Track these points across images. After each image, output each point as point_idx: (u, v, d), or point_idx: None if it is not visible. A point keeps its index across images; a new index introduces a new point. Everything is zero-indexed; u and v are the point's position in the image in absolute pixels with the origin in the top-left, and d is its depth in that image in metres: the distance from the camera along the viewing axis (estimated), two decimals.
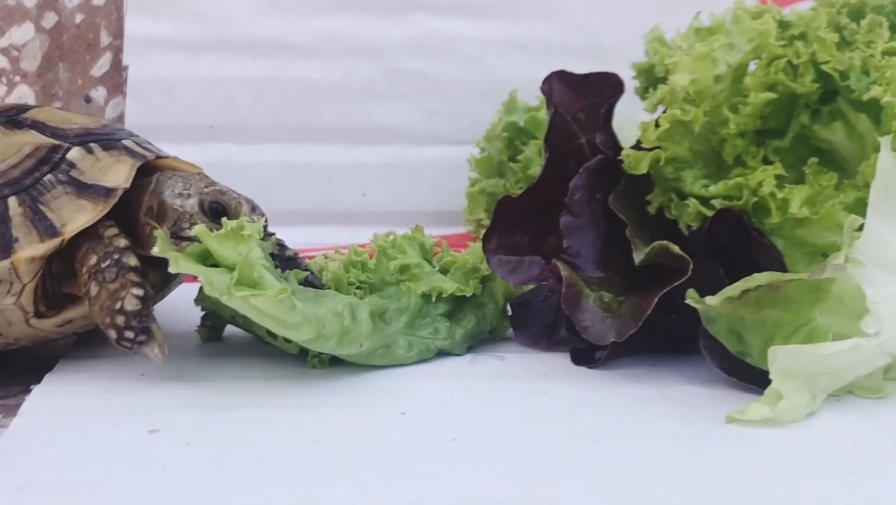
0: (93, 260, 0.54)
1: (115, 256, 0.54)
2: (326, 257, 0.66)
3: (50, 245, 0.54)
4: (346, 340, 0.55)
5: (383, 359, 0.59)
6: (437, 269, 0.64)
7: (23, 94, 0.92)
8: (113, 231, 0.55)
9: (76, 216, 0.54)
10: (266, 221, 0.60)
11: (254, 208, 0.56)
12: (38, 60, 0.92)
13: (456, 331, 0.62)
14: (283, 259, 0.61)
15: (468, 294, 0.62)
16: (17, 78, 0.92)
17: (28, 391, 0.53)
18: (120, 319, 0.52)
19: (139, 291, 0.53)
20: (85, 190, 0.55)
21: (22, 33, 0.92)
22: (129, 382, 0.54)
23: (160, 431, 0.47)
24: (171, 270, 0.49)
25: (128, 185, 0.56)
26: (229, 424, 0.48)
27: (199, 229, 0.51)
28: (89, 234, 0.55)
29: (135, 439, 0.46)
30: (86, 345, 0.63)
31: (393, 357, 0.59)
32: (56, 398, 0.52)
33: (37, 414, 0.50)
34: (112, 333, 0.53)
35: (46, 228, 0.54)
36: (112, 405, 0.51)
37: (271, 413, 0.49)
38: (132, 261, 0.54)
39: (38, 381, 0.55)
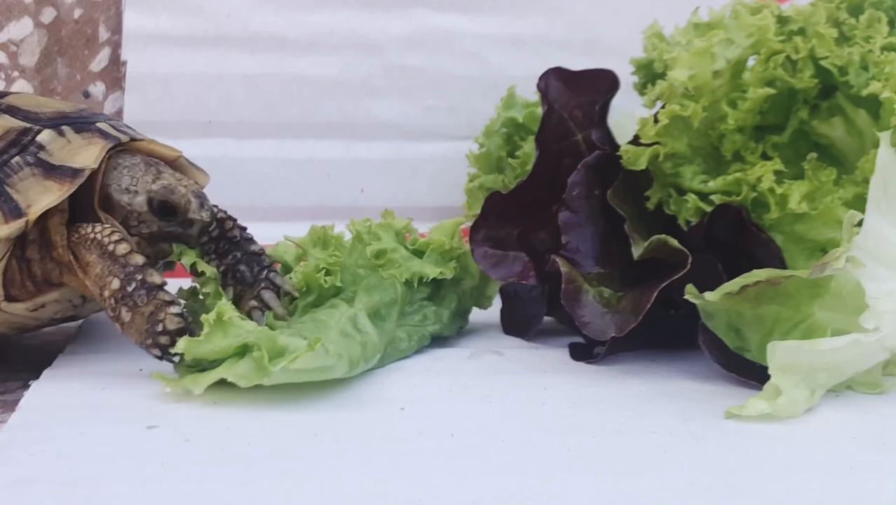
0: (115, 284, 0.53)
1: (139, 277, 0.53)
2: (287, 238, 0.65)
3: (14, 226, 0.53)
4: (369, 355, 0.55)
5: (390, 357, 0.58)
6: (411, 251, 0.64)
7: (21, 89, 0.92)
8: (125, 247, 0.54)
9: (41, 197, 0.54)
10: (226, 213, 0.60)
11: (202, 204, 0.55)
12: (37, 55, 0.92)
13: (442, 313, 0.63)
14: (248, 253, 0.60)
15: (449, 277, 0.62)
16: (16, 73, 0.92)
17: (26, 387, 0.53)
18: (164, 340, 0.52)
19: (177, 309, 0.53)
20: (52, 171, 0.54)
21: (20, 28, 0.92)
22: (128, 378, 0.54)
23: (159, 426, 0.47)
24: (197, 392, 0.49)
25: (96, 165, 0.55)
26: (228, 419, 0.48)
27: (183, 347, 0.50)
28: (90, 242, 0.54)
29: (133, 435, 0.46)
30: (84, 340, 0.63)
31: (399, 352, 0.59)
32: (54, 394, 0.52)
33: (35, 409, 0.49)
34: (156, 352, 0.52)
35: (11, 210, 0.53)
36: (111, 401, 0.51)
37: (270, 409, 0.49)
38: (156, 278, 0.53)
39: (36, 376, 0.55)
